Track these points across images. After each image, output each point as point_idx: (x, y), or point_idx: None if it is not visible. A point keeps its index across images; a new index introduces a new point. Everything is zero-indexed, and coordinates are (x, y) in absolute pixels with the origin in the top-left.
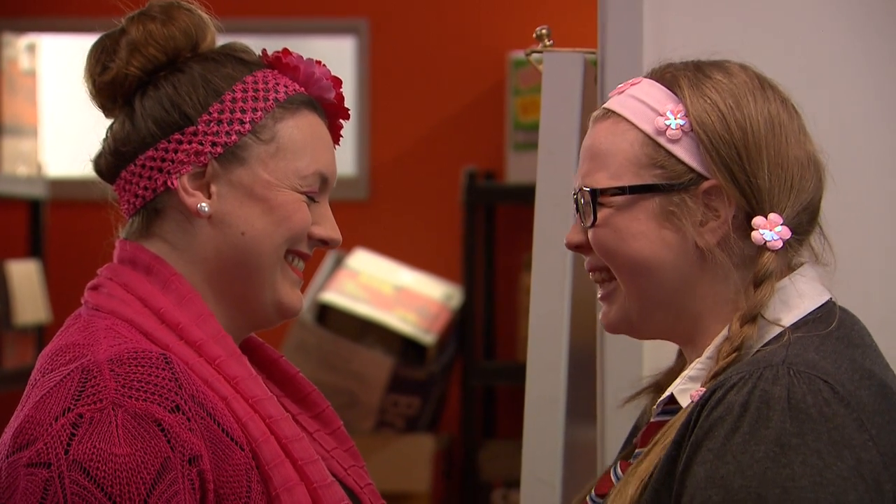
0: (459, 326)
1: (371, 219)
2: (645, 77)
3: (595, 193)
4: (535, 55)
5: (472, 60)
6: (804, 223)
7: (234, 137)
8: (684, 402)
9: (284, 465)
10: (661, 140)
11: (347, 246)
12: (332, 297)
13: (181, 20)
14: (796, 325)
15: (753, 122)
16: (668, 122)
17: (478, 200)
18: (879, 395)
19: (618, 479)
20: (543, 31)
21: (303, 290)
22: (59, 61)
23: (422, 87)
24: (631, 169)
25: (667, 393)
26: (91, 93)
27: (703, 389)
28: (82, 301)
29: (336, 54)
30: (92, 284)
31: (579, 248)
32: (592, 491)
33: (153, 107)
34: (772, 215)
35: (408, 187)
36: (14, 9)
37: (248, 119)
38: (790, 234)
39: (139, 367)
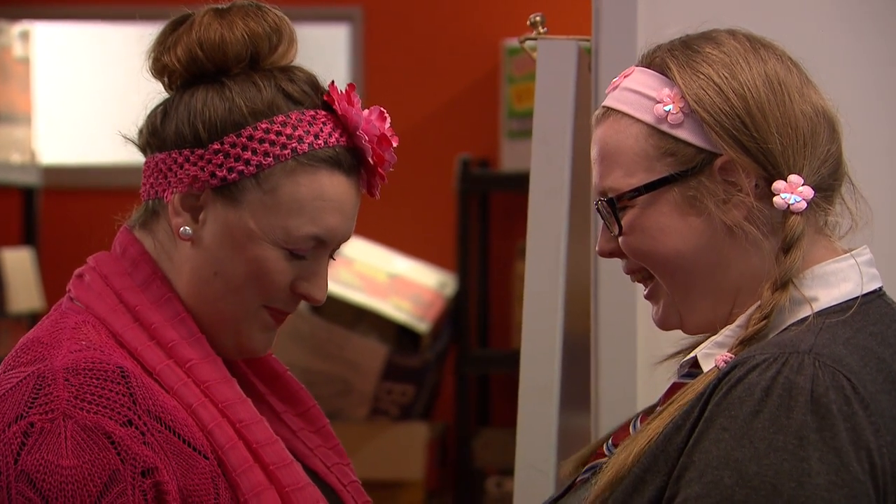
0: (454, 314)
1: (365, 206)
2: (636, 65)
3: (613, 202)
4: (529, 42)
5: (467, 48)
6: (826, 177)
7: (234, 176)
8: (706, 366)
9: (253, 471)
10: (664, 127)
11: None
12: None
13: (239, 31)
14: (832, 310)
15: (752, 88)
16: (666, 108)
17: (472, 188)
18: None
19: (635, 430)
20: (537, 19)
21: None
22: (52, 48)
23: (416, 74)
24: (642, 164)
25: (691, 355)
26: (147, 69)
27: (730, 355)
28: (67, 288)
29: (330, 42)
30: (78, 272)
31: (613, 254)
32: (609, 440)
33: (181, 114)
34: (791, 177)
35: (402, 175)
36: None
37: (255, 162)
38: (813, 193)
39: (94, 380)
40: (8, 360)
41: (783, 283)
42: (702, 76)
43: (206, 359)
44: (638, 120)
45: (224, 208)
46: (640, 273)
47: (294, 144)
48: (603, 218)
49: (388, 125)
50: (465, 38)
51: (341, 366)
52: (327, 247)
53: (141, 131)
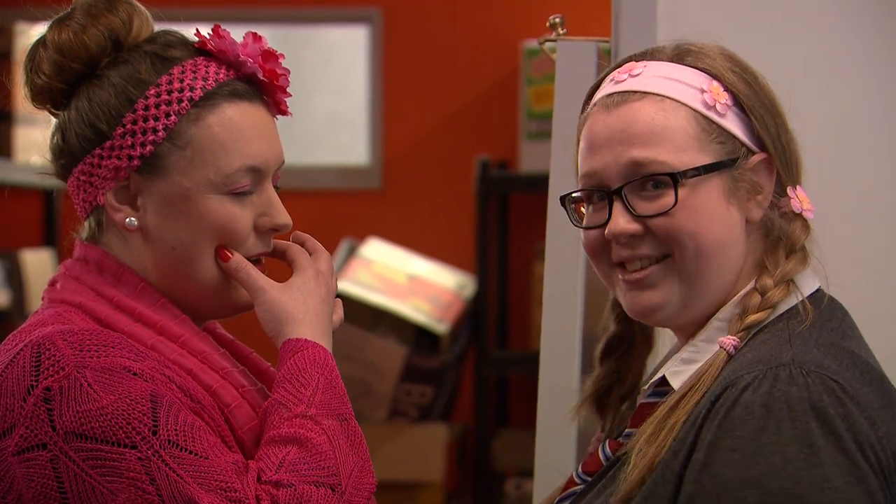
0: (473, 315)
1: (384, 208)
2: (652, 61)
3: (675, 177)
4: (548, 44)
5: (486, 49)
6: None
7: (149, 148)
8: (676, 383)
9: (259, 429)
10: (713, 115)
11: (361, 235)
12: (346, 286)
13: (95, 26)
14: (790, 313)
15: (774, 96)
16: (715, 98)
17: (491, 190)
18: (880, 390)
19: (606, 458)
20: (557, 20)
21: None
22: None
23: (435, 76)
24: (694, 145)
25: (658, 375)
26: (30, 102)
27: (736, 339)
28: (42, 297)
29: (349, 43)
30: (51, 280)
31: (633, 235)
32: (579, 468)
33: (76, 120)
34: (798, 187)
35: (421, 177)
36: None
37: (161, 126)
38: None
39: (92, 336)
40: None
41: (785, 281)
42: (737, 75)
43: (197, 335)
44: (684, 104)
45: (155, 183)
46: (647, 259)
47: (188, 94)
48: (631, 194)
49: (265, 44)
50: (484, 39)
51: (360, 367)
52: (264, 174)
53: (51, 162)
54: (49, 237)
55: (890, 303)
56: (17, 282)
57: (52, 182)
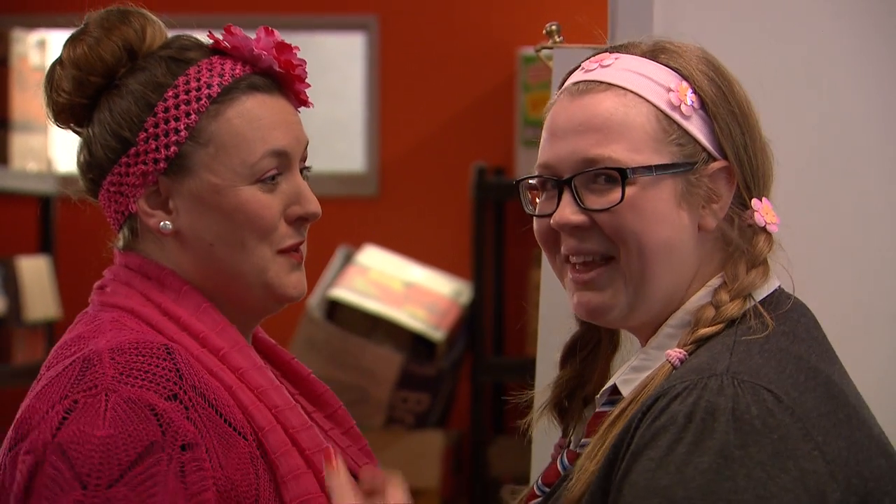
0: (469, 322)
1: (381, 215)
2: (625, 54)
3: (625, 173)
4: (544, 51)
5: (482, 56)
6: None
7: (173, 149)
8: (626, 390)
9: (292, 454)
10: (676, 116)
11: (357, 242)
12: (342, 293)
13: (109, 38)
14: (745, 316)
15: (746, 102)
16: (681, 98)
17: (487, 196)
18: (825, 395)
19: (564, 468)
20: (553, 28)
21: (312, 286)
22: None
23: (431, 83)
24: (651, 144)
25: (609, 383)
26: (53, 122)
27: (682, 351)
28: (90, 300)
29: (346, 51)
30: (98, 284)
31: (578, 227)
32: (539, 480)
33: (101, 132)
34: (764, 199)
35: (417, 183)
36: (24, 5)
37: (182, 126)
38: (778, 219)
39: (140, 357)
40: (49, 361)
41: (743, 296)
42: (708, 78)
43: (236, 347)
44: (648, 101)
45: (184, 183)
46: (593, 255)
47: (206, 92)
48: (575, 189)
49: (278, 37)
50: (481, 46)
51: (357, 374)
52: (290, 160)
53: (80, 179)
54: (45, 244)
55: (890, 303)
56: (13, 288)
57: (49, 189)
